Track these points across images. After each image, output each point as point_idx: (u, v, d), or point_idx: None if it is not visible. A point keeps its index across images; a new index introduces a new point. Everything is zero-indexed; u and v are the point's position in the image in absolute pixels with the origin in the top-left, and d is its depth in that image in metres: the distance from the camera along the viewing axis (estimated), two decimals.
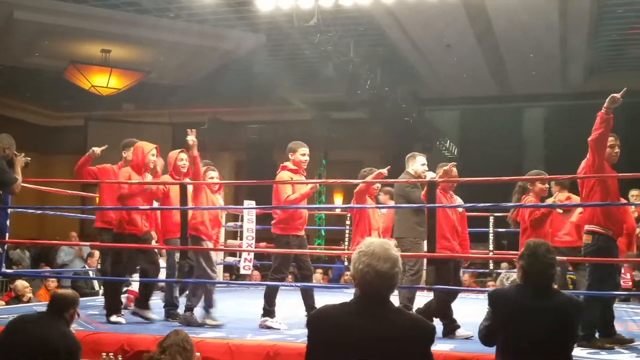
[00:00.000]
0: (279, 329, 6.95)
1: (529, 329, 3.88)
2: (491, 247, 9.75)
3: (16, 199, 8.08)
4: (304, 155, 7.63)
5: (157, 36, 15.25)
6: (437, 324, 6.56)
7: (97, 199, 8.48)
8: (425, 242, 7.09)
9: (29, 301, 10.06)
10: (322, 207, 7.85)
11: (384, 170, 7.35)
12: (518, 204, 7.21)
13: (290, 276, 9.60)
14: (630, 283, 10.06)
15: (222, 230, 11.48)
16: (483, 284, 13.12)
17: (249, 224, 10.19)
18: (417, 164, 7.86)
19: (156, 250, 7.98)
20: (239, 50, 16.15)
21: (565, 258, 6.77)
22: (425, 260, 7.19)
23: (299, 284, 7.54)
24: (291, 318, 7.44)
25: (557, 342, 3.91)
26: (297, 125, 19.16)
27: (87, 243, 11.47)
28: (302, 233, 7.58)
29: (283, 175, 7.54)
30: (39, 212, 13.63)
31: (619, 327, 6.69)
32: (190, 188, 7.68)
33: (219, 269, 11.66)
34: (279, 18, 12.85)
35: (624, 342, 6.18)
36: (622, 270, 8.97)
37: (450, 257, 6.91)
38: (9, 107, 20.58)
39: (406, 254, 6.96)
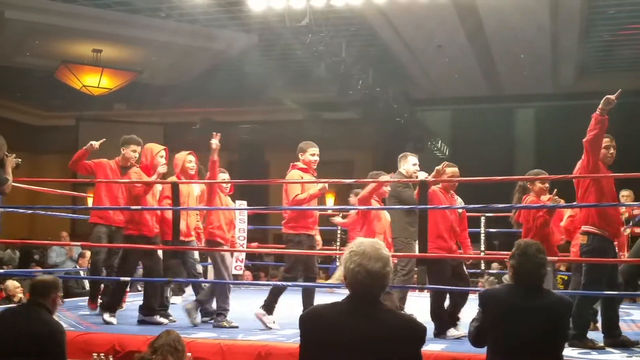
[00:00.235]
0: (270, 329, 6.95)
1: (519, 329, 3.88)
2: (482, 247, 9.76)
3: (7, 198, 8.04)
4: (313, 155, 7.60)
5: (148, 36, 15.23)
6: (428, 324, 6.56)
7: (93, 194, 8.41)
8: (416, 242, 7.11)
9: (19, 301, 10.02)
10: (325, 207, 7.84)
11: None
12: (508, 205, 7.23)
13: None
14: None
15: None
16: (474, 285, 13.13)
17: (241, 224, 10.18)
18: (408, 164, 7.88)
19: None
20: (231, 50, 16.14)
21: (556, 258, 6.77)
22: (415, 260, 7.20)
23: (299, 284, 7.49)
24: (283, 318, 7.44)
25: (548, 342, 3.92)
26: (289, 126, 19.17)
27: (78, 243, 11.45)
28: (313, 232, 7.54)
29: (293, 174, 7.50)
30: (29, 212, 13.60)
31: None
32: (193, 188, 7.75)
33: (210, 269, 11.68)
34: (271, 18, 12.84)
35: (629, 345, 6.18)
36: None
37: (441, 257, 6.91)
38: (0, 107, 20.53)
39: (398, 254, 6.98)
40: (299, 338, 3.15)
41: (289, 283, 7.22)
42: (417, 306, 7.84)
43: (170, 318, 7.66)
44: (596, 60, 16.78)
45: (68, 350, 5.00)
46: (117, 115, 21.13)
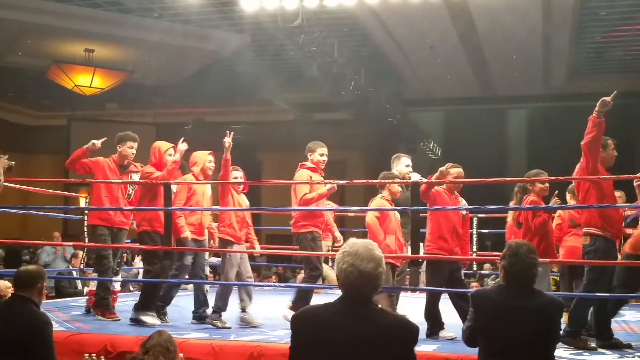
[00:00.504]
0: None
1: (510, 330, 3.89)
2: (474, 248, 9.77)
3: None
4: (322, 155, 7.62)
5: (140, 36, 15.20)
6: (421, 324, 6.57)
7: (90, 194, 8.16)
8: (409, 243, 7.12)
9: (3, 300, 9.98)
10: (331, 209, 7.83)
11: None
12: (502, 206, 7.25)
13: (274, 276, 9.64)
14: None
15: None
16: (466, 285, 13.14)
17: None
18: (401, 165, 7.91)
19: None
20: (223, 50, 16.12)
21: (550, 260, 6.79)
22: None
23: (296, 285, 7.51)
24: (275, 318, 7.44)
25: (539, 343, 3.92)
26: (281, 126, 19.19)
27: (70, 243, 11.43)
28: (321, 231, 7.54)
29: (302, 173, 7.51)
30: (21, 212, 13.58)
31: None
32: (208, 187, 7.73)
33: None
34: (264, 18, 12.84)
35: (621, 346, 6.19)
36: None
37: (435, 259, 6.92)
38: None
39: (391, 255, 6.98)
40: (290, 339, 3.15)
41: (314, 285, 7.20)
42: (410, 307, 7.84)
43: (165, 318, 7.63)
44: (588, 61, 16.82)
45: (59, 350, 4.99)
46: (109, 115, 21.07)
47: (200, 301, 7.69)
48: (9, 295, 9.96)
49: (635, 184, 6.97)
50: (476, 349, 4.10)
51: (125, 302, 8.67)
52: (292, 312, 6.92)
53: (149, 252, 7.55)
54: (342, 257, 3.10)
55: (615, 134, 6.55)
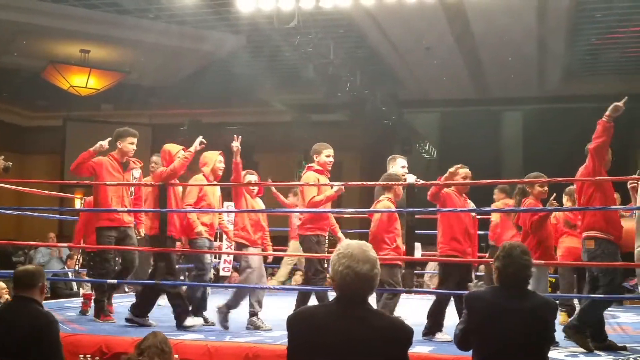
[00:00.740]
0: None
1: (504, 331, 3.89)
2: None
3: None
4: (328, 156, 7.59)
5: (136, 37, 15.18)
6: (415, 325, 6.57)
7: (94, 195, 7.93)
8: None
9: (6, 302, 9.98)
10: (339, 210, 7.81)
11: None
12: (497, 209, 7.26)
13: (269, 277, 9.64)
14: None
15: None
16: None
17: (229, 226, 10.17)
18: (397, 166, 7.92)
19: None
20: (219, 51, 16.11)
21: (546, 262, 6.80)
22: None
23: (293, 287, 7.49)
24: (271, 320, 7.43)
25: (533, 344, 3.93)
26: (277, 127, 19.17)
27: (65, 244, 11.42)
28: (326, 234, 7.52)
29: (309, 176, 7.47)
30: (16, 213, 13.54)
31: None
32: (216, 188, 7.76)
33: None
34: (260, 20, 12.84)
35: (616, 349, 6.20)
36: None
37: (428, 260, 6.93)
38: None
39: (386, 256, 6.98)
40: (287, 340, 3.16)
41: (322, 288, 7.19)
42: (407, 308, 7.85)
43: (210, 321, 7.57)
44: (583, 63, 16.84)
45: None
46: (104, 116, 21.04)
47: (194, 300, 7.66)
48: (4, 296, 10.00)
49: (629, 186, 6.99)
50: (470, 352, 4.11)
51: (121, 303, 8.68)
52: None
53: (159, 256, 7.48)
54: (337, 259, 3.11)
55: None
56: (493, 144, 20.06)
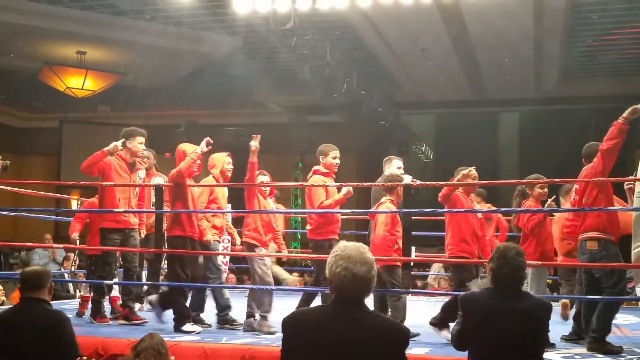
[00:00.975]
0: None
1: (499, 332, 3.90)
2: None
3: None
4: (335, 158, 7.58)
5: (133, 38, 15.18)
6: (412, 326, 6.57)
7: (100, 196, 7.77)
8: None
9: (2, 304, 9.96)
10: (347, 211, 7.80)
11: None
12: (493, 209, 7.26)
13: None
14: None
15: None
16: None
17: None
18: (393, 167, 7.91)
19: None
20: (216, 53, 16.11)
21: (543, 263, 6.80)
22: None
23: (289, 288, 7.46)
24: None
25: (528, 345, 3.93)
26: (274, 129, 19.15)
27: (61, 245, 11.41)
28: (338, 238, 7.42)
29: (317, 179, 7.43)
30: (12, 214, 13.51)
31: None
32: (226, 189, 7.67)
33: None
34: (256, 21, 12.83)
35: (614, 351, 6.19)
36: None
37: (424, 261, 6.93)
38: None
39: (382, 257, 6.98)
40: (281, 341, 3.16)
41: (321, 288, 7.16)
42: (410, 310, 7.82)
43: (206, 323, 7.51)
44: (579, 65, 16.87)
45: None
46: (101, 117, 21.04)
47: (221, 305, 7.58)
48: (0, 298, 9.98)
49: (625, 187, 6.98)
50: (466, 352, 4.11)
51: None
52: None
53: (175, 257, 7.35)
54: (334, 261, 3.11)
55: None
56: (490, 145, 20.09)
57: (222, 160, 7.79)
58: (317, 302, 7.43)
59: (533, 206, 7.03)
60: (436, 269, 12.49)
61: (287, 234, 12.19)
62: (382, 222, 7.04)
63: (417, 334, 6.58)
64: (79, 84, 16.58)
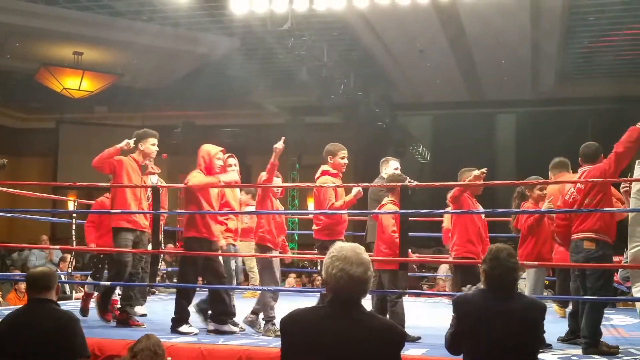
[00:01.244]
0: None
1: (493, 333, 3.89)
2: None
3: None
4: (343, 158, 7.48)
5: (130, 39, 15.17)
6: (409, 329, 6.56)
7: (112, 196, 7.63)
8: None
9: (23, 306, 9.89)
10: (354, 212, 7.77)
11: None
12: (489, 210, 7.25)
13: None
14: None
15: None
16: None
17: None
18: (390, 168, 7.92)
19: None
20: (213, 53, 16.11)
21: (540, 263, 6.80)
22: None
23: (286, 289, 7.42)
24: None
25: (522, 346, 3.93)
26: (271, 129, 19.12)
27: (58, 247, 11.38)
28: (343, 237, 7.35)
29: (326, 180, 7.33)
30: (8, 215, 13.50)
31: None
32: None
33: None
34: (253, 22, 12.84)
35: (610, 352, 6.19)
36: None
37: (421, 262, 6.93)
38: None
39: (379, 258, 6.98)
40: (280, 342, 3.15)
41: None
42: (408, 310, 7.81)
43: (240, 326, 7.36)
44: (576, 66, 16.89)
45: None
46: (98, 118, 21.03)
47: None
48: None
49: (622, 190, 6.98)
50: (461, 355, 4.11)
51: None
52: None
53: (188, 259, 7.27)
54: (331, 262, 3.11)
55: (604, 138, 6.55)
56: (487, 146, 20.10)
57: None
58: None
59: (531, 208, 7.02)
60: (444, 270, 12.49)
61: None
62: (390, 223, 7.00)
63: (419, 338, 6.57)
64: (75, 84, 16.56)
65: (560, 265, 7.49)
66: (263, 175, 7.38)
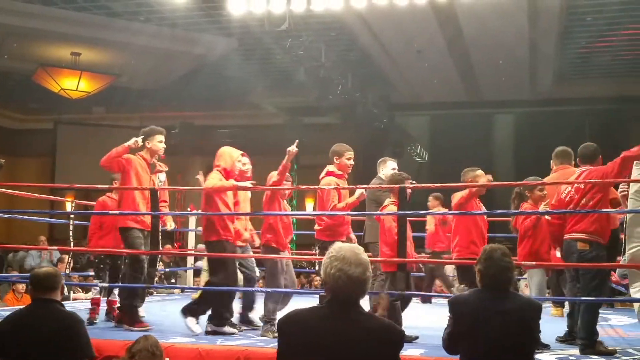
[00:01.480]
0: None
1: (489, 333, 3.90)
2: None
3: None
4: (349, 159, 7.41)
5: (127, 40, 15.16)
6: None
7: (120, 196, 7.52)
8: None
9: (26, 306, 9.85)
10: (359, 213, 7.72)
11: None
12: (487, 211, 7.24)
13: (260, 281, 9.58)
14: None
15: (192, 235, 11.48)
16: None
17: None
18: (387, 168, 7.91)
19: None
20: (211, 54, 16.11)
21: (537, 263, 6.79)
22: None
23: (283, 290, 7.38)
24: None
25: (518, 345, 3.93)
26: (269, 130, 19.17)
27: (55, 247, 11.36)
28: (345, 238, 7.27)
29: (330, 181, 7.27)
30: (6, 216, 13.46)
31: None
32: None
33: (189, 273, 11.61)
34: (251, 22, 12.83)
35: (607, 352, 6.19)
36: None
37: (418, 262, 6.92)
38: None
39: (377, 258, 6.98)
40: (277, 343, 3.15)
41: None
42: (407, 311, 7.81)
43: (243, 328, 7.38)
44: (574, 66, 16.90)
45: None
46: (95, 118, 21.02)
47: (247, 305, 7.53)
48: None
49: (620, 194, 6.97)
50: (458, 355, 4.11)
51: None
52: None
53: (216, 261, 7.19)
54: (329, 262, 3.11)
55: (602, 139, 6.55)
56: (484, 146, 20.10)
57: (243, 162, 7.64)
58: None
59: (530, 208, 7.02)
60: (450, 270, 12.48)
61: None
62: (393, 225, 6.98)
63: (416, 337, 6.58)
64: (73, 85, 16.55)
65: (560, 266, 7.49)
66: (274, 175, 7.37)
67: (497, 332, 3.89)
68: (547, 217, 6.81)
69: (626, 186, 6.64)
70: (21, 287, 10.98)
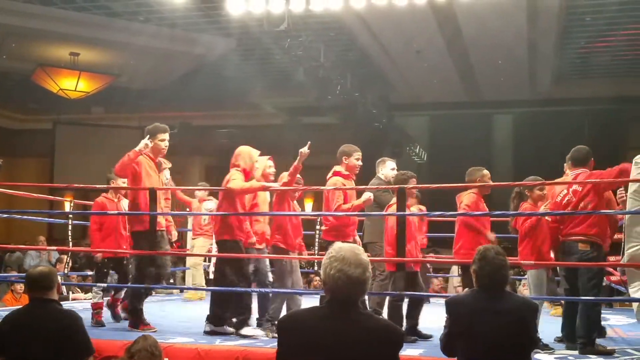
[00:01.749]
0: None
1: (486, 333, 3.91)
2: None
3: None
4: (358, 159, 7.43)
5: (127, 40, 15.14)
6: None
7: (132, 198, 7.47)
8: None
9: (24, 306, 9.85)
10: (361, 214, 7.68)
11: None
12: (486, 212, 7.25)
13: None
14: None
15: (191, 235, 11.47)
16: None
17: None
18: (386, 168, 7.92)
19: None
20: (210, 54, 16.10)
21: (536, 263, 6.79)
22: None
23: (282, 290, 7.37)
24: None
25: (515, 345, 3.94)
26: (268, 130, 19.17)
27: (54, 247, 11.37)
28: (352, 240, 7.30)
29: (336, 182, 7.29)
30: (5, 216, 13.44)
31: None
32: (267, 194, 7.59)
33: (188, 273, 11.59)
34: (250, 22, 12.82)
35: (604, 352, 6.20)
36: None
37: (418, 262, 6.91)
38: None
39: (376, 258, 6.98)
40: (277, 343, 3.15)
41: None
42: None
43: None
44: (573, 66, 16.89)
45: None
46: (94, 119, 21.00)
47: (264, 308, 7.47)
48: None
49: (618, 199, 6.97)
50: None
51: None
52: None
53: (225, 261, 7.16)
54: (329, 262, 3.11)
55: (601, 139, 6.55)
56: (484, 147, 20.10)
57: (264, 164, 7.58)
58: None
59: (529, 209, 7.02)
60: (456, 271, 12.50)
61: None
62: (392, 226, 6.98)
63: (430, 336, 6.57)
64: (72, 85, 16.54)
65: (560, 265, 7.49)
66: (284, 176, 7.38)
67: (494, 332, 3.90)
68: (547, 217, 6.82)
69: (624, 191, 6.66)
70: (20, 287, 10.97)
